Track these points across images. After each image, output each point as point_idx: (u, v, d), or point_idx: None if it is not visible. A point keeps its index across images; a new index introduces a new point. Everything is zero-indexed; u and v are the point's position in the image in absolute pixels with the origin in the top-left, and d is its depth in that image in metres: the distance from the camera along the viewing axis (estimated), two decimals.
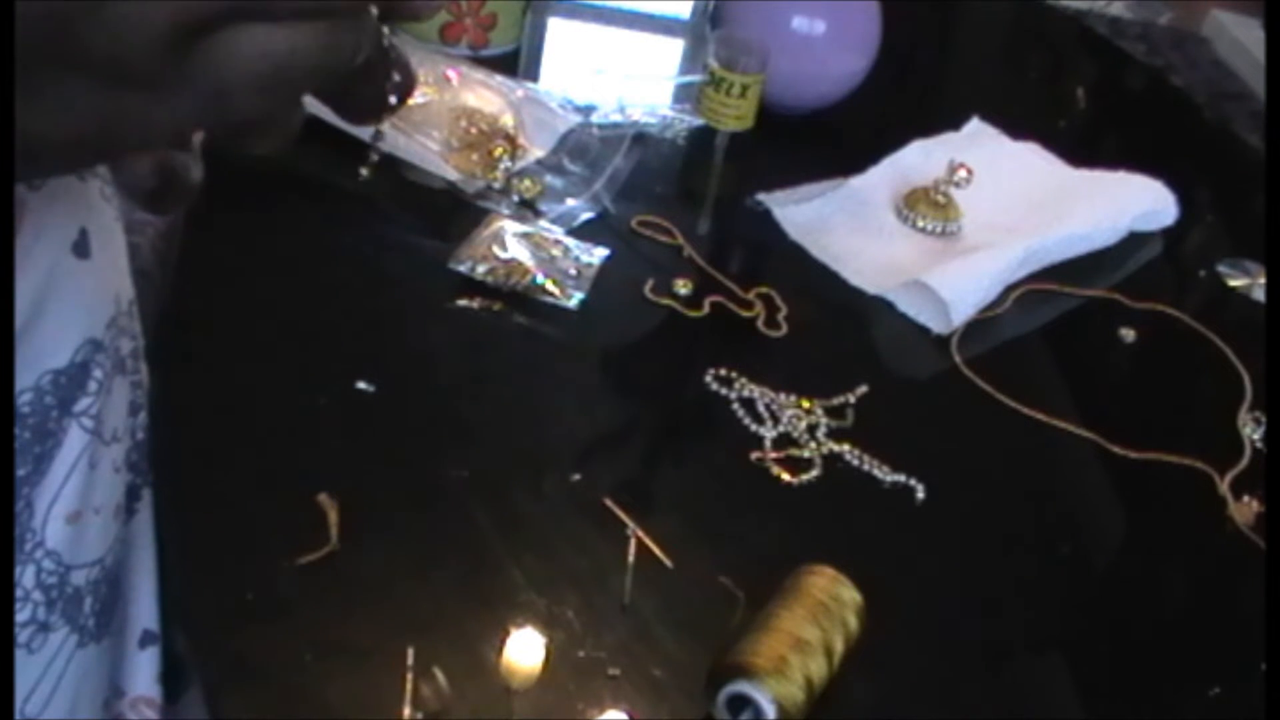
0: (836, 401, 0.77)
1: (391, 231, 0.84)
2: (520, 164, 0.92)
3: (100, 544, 0.62)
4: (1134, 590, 0.70)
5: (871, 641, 0.58)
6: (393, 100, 0.30)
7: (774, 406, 0.75)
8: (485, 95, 0.96)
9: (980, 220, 0.97)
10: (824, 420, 0.75)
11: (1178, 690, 0.64)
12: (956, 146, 1.00)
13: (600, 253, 0.85)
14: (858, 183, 0.97)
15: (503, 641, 0.54)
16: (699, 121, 0.98)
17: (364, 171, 0.78)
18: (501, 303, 0.80)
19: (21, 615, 0.55)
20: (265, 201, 0.82)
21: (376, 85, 0.28)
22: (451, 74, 0.97)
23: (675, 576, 0.62)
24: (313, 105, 0.29)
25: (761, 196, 0.94)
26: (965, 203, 0.96)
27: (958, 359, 0.83)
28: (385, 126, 0.34)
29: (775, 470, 0.71)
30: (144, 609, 0.67)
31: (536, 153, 0.94)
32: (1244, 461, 0.79)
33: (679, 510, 0.67)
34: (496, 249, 0.81)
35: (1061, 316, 0.92)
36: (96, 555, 0.62)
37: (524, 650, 0.53)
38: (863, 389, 0.78)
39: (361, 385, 0.70)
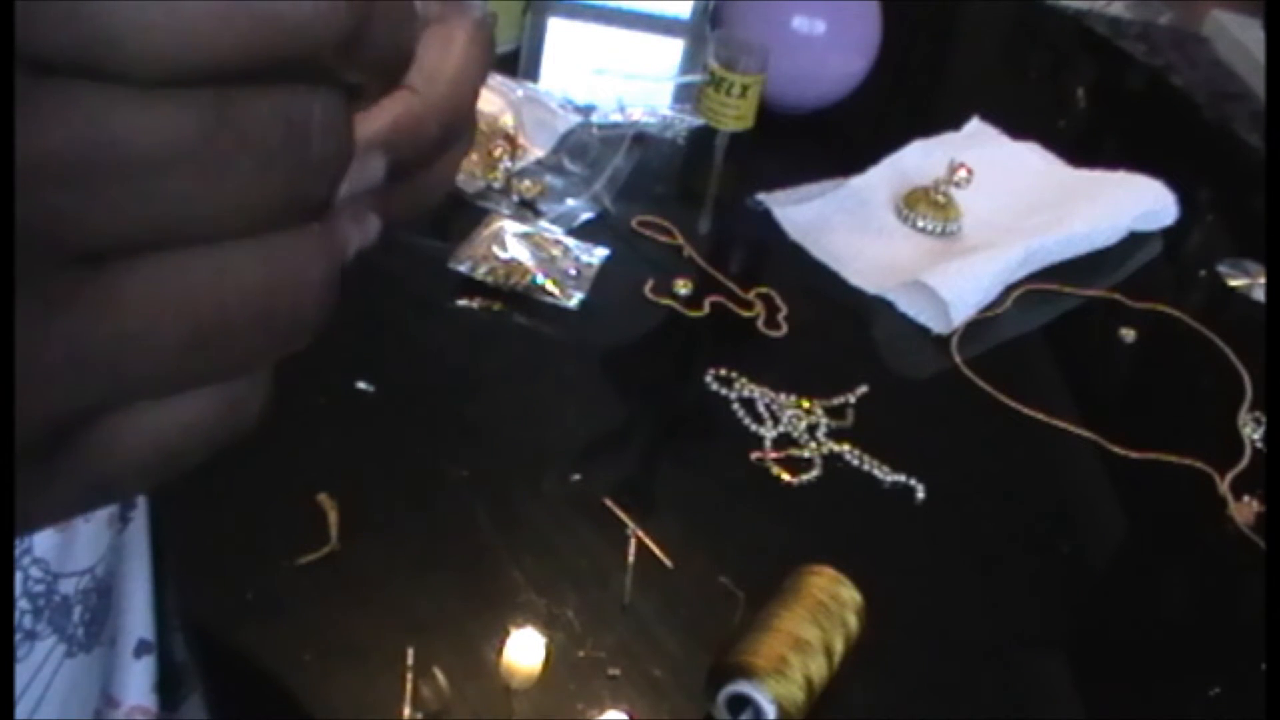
0: (836, 401, 0.77)
1: (391, 231, 0.84)
2: (520, 164, 0.92)
3: (91, 552, 0.62)
4: (1134, 590, 0.70)
5: (871, 641, 0.58)
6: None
7: (774, 406, 0.75)
8: (485, 95, 0.96)
9: (980, 220, 0.97)
10: (824, 420, 0.75)
11: (1178, 690, 0.64)
12: (956, 146, 1.00)
13: (600, 253, 0.85)
14: (858, 183, 0.97)
15: (503, 641, 0.54)
16: (699, 121, 0.98)
17: None
18: (501, 303, 0.80)
19: None
20: None
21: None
22: None
23: (675, 576, 0.62)
24: None
25: (761, 196, 0.94)
26: (965, 203, 0.96)
27: (958, 359, 0.83)
28: None
29: (775, 470, 0.71)
30: (139, 618, 0.67)
31: (536, 153, 0.94)
32: (1244, 461, 0.79)
33: (679, 510, 0.67)
34: (496, 249, 0.82)
35: (1061, 316, 0.92)
36: (86, 564, 0.62)
37: (524, 650, 0.53)
38: (863, 389, 0.78)
39: (361, 385, 0.70)
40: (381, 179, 0.26)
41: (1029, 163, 1.06)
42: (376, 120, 0.26)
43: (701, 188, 0.96)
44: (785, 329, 0.83)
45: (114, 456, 0.18)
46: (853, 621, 0.57)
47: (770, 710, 0.52)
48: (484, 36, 0.29)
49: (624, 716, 0.54)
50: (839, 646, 0.56)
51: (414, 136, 0.26)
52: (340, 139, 0.18)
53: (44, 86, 0.15)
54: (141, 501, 0.68)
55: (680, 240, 0.89)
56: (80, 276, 0.16)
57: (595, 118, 0.99)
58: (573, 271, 0.83)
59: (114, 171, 0.15)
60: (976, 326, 0.87)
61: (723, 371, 0.77)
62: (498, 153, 0.89)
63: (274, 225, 0.18)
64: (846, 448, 0.73)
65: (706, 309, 0.83)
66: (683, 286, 0.84)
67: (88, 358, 0.16)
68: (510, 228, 0.84)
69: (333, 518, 0.60)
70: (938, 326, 0.85)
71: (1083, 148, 1.09)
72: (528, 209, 0.89)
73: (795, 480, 0.71)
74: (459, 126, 0.28)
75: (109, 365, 0.16)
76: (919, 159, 1.00)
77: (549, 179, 0.92)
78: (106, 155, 0.15)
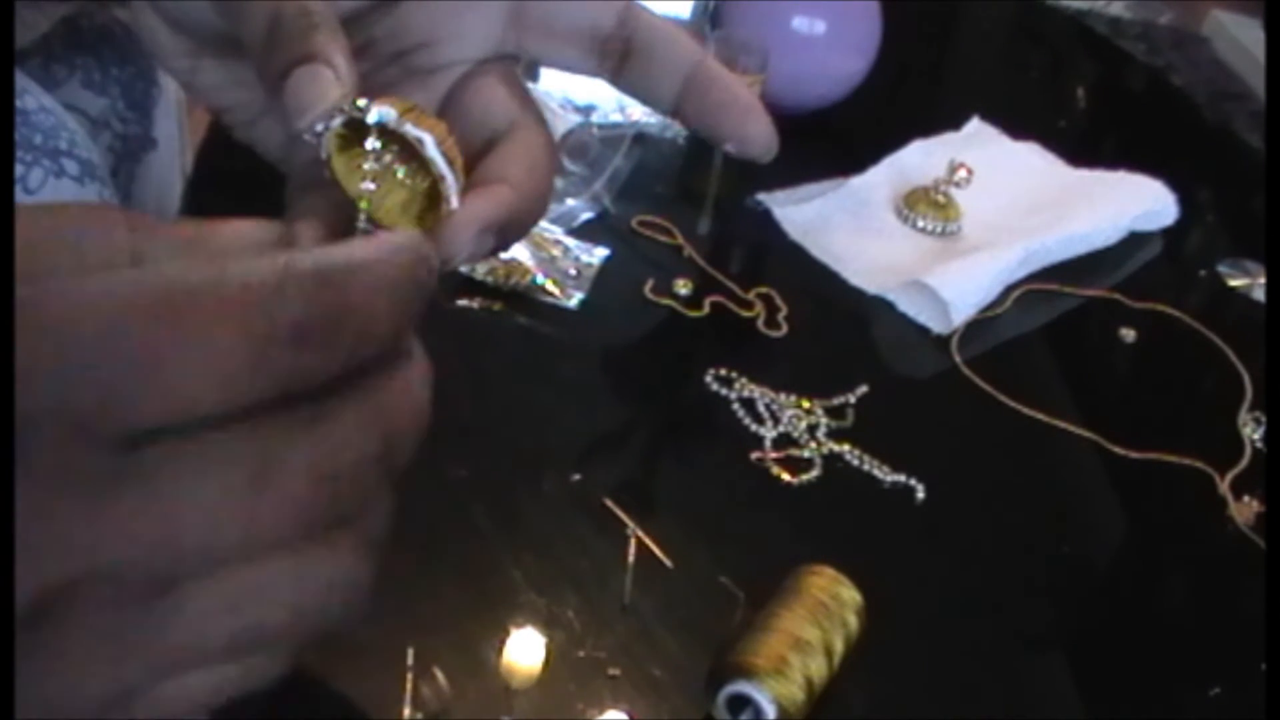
0: (836, 401, 0.77)
1: None
2: None
3: None
4: (1134, 590, 0.70)
5: (871, 641, 0.58)
6: None
7: (774, 406, 0.75)
8: None
9: (980, 220, 0.97)
10: (824, 420, 0.75)
11: (1178, 690, 0.64)
12: (956, 146, 1.01)
13: (600, 253, 0.85)
14: (858, 183, 0.97)
15: (503, 641, 0.54)
16: None
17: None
18: (501, 303, 0.80)
19: None
20: (265, 203, 0.82)
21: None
22: None
23: (675, 576, 0.62)
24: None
25: (761, 196, 0.94)
26: (965, 203, 0.96)
27: (958, 359, 0.83)
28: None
29: (775, 470, 0.71)
30: None
31: None
32: (1244, 461, 0.79)
33: (679, 510, 0.67)
34: None
35: (1061, 316, 0.92)
36: None
37: (524, 650, 0.53)
38: (863, 389, 0.78)
39: None
40: (489, 252, 0.31)
41: (1029, 163, 1.06)
42: (491, 206, 0.30)
43: (701, 188, 0.96)
44: (785, 329, 0.83)
45: (158, 711, 0.22)
46: (853, 621, 0.57)
47: (770, 710, 0.52)
48: (553, 141, 0.33)
49: (624, 716, 0.54)
50: (839, 646, 0.56)
51: (517, 222, 0.31)
52: (369, 476, 0.22)
53: (124, 464, 0.18)
54: None
55: (680, 240, 0.89)
56: (152, 594, 0.20)
57: (595, 118, 0.99)
58: (573, 271, 0.83)
59: (178, 531, 0.19)
60: (976, 326, 0.87)
61: (723, 371, 0.77)
62: None
63: (310, 540, 0.22)
64: (846, 448, 0.73)
65: (706, 309, 0.83)
66: (683, 286, 0.84)
67: (150, 658, 0.20)
68: None
69: None
70: (938, 326, 0.85)
71: (1083, 148, 1.09)
72: None
73: (795, 480, 0.71)
74: (540, 215, 0.32)
75: (163, 661, 0.21)
76: (919, 159, 1.00)
77: None
78: (172, 519, 0.19)
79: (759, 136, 0.32)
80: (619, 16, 0.33)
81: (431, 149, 0.31)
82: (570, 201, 0.90)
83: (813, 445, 0.73)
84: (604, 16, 0.33)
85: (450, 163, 0.31)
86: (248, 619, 0.21)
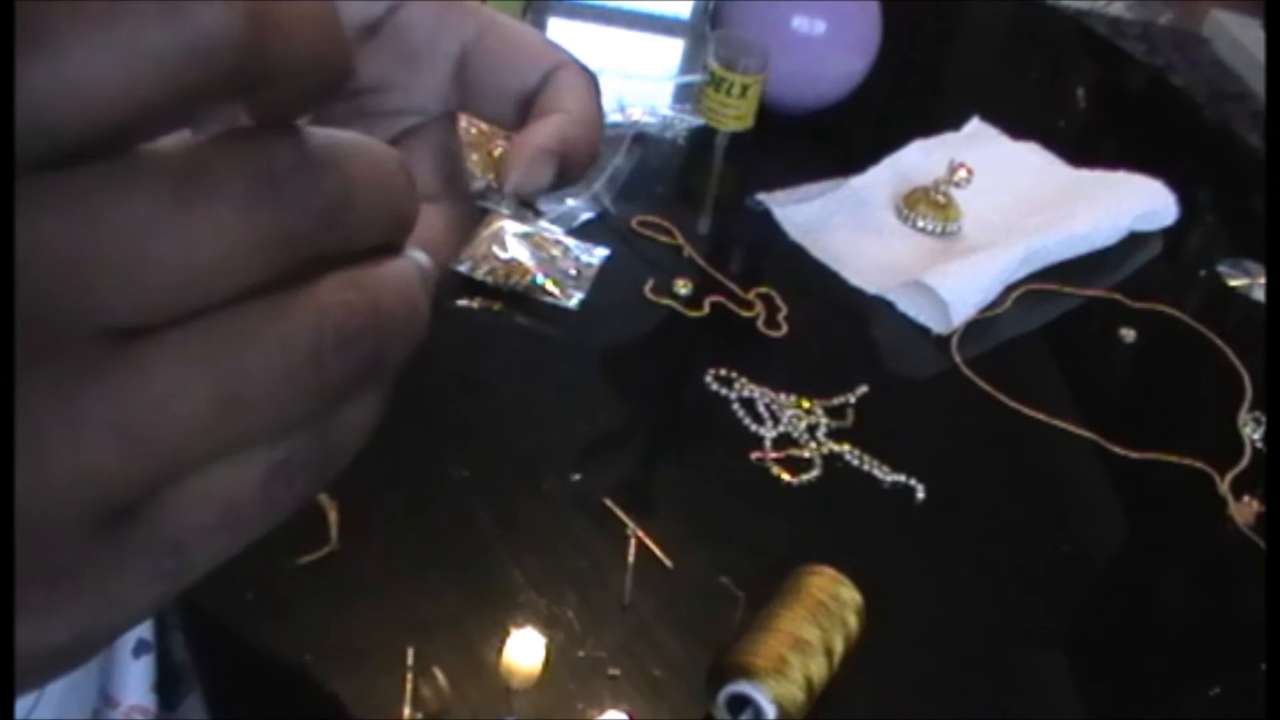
0: (836, 401, 0.77)
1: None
2: None
3: None
4: (1134, 590, 0.70)
5: (871, 641, 0.58)
6: None
7: (774, 406, 0.75)
8: None
9: (980, 220, 0.97)
10: (824, 420, 0.75)
11: (1178, 690, 0.64)
12: (956, 146, 1.00)
13: (600, 253, 0.85)
14: (858, 183, 0.97)
15: (503, 641, 0.54)
16: (699, 121, 0.98)
17: None
18: (501, 303, 0.80)
19: None
20: None
21: None
22: None
23: (675, 576, 0.62)
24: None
25: (761, 196, 0.94)
26: (965, 203, 0.96)
27: (958, 359, 0.83)
28: None
29: (775, 470, 0.71)
30: None
31: None
32: (1244, 461, 0.79)
33: (679, 510, 0.67)
34: (496, 249, 0.82)
35: (1061, 316, 0.92)
36: None
37: (524, 650, 0.53)
38: (863, 389, 0.78)
39: None
40: (548, 185, 0.29)
41: (1029, 163, 1.06)
42: (547, 132, 0.29)
43: (701, 188, 0.96)
44: (785, 329, 0.83)
45: (179, 525, 0.18)
46: (853, 621, 0.57)
47: (770, 710, 0.52)
48: (599, 88, 0.33)
49: (624, 716, 0.54)
50: (839, 646, 0.56)
51: (576, 152, 0.30)
52: (319, 181, 0.18)
53: (33, 184, 0.16)
54: None
55: (680, 240, 0.89)
56: (107, 351, 0.17)
57: None
58: (573, 271, 0.83)
59: (108, 255, 0.16)
60: (976, 326, 0.87)
61: (723, 371, 0.77)
62: (498, 152, 0.89)
63: (281, 275, 0.18)
64: (846, 448, 0.73)
65: (706, 309, 0.83)
66: (683, 286, 0.84)
67: (125, 422, 0.17)
68: (510, 228, 0.84)
69: (333, 518, 0.60)
70: (938, 326, 0.85)
71: (1083, 148, 1.09)
72: (528, 209, 0.89)
73: (795, 480, 0.71)
74: (595, 157, 0.31)
75: (145, 428, 0.17)
76: (919, 159, 1.00)
77: None
78: (97, 241, 0.16)
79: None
80: (544, 76, 0.33)
81: None
82: (570, 201, 0.90)
83: (813, 445, 0.73)
84: (530, 77, 0.33)
85: None
86: (227, 366, 0.18)
